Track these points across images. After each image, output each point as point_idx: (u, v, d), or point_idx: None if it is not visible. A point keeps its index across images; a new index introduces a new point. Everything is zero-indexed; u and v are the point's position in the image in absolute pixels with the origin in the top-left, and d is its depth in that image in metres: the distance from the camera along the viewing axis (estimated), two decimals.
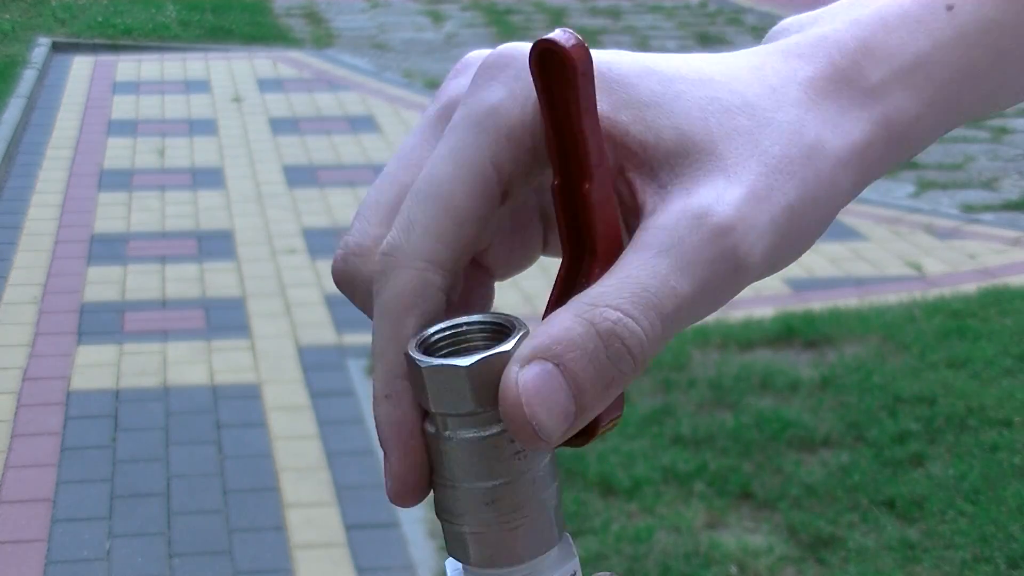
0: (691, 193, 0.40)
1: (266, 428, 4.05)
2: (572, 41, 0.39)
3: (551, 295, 0.42)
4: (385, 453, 0.42)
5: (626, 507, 3.56)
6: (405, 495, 0.42)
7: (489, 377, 0.38)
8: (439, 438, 0.40)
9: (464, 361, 0.38)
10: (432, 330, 0.40)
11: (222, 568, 3.35)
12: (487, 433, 0.39)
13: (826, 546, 3.41)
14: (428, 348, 0.40)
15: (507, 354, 0.38)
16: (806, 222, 0.42)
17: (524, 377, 0.38)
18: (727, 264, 0.40)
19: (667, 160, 0.41)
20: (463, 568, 0.41)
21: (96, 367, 4.45)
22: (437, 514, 0.41)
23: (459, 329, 0.41)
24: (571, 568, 0.42)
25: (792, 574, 3.30)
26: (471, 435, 0.39)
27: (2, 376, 4.37)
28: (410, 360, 0.39)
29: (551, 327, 0.39)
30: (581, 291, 0.40)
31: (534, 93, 0.40)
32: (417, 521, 3.50)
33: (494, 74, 0.42)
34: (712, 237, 0.40)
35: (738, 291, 0.42)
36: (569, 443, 0.40)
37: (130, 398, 4.25)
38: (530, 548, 0.40)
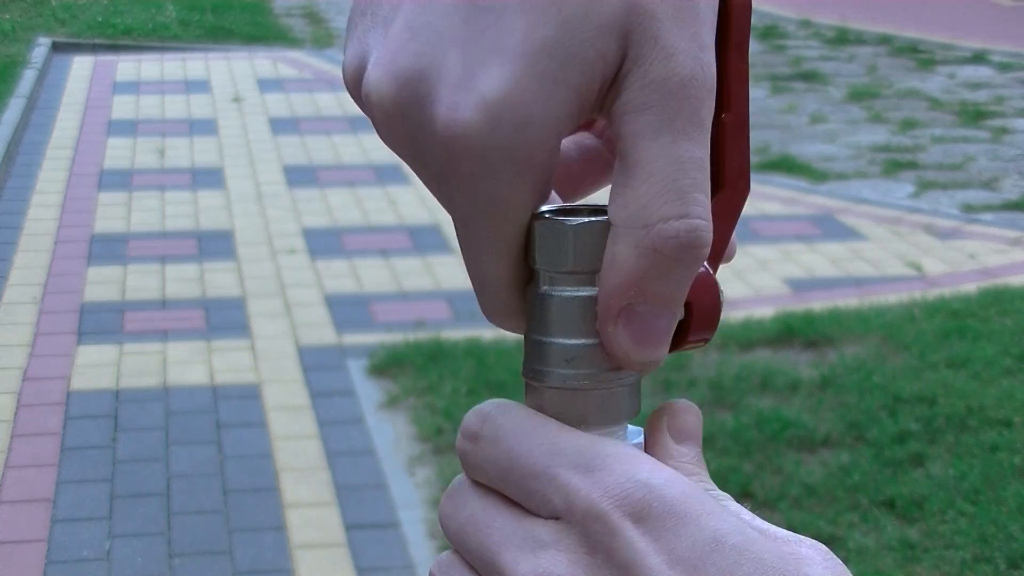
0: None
1: (266, 428, 4.05)
2: None
3: None
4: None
5: None
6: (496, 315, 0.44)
7: (590, 240, 0.41)
8: (537, 293, 0.43)
9: (572, 221, 0.41)
10: (547, 208, 0.43)
11: (222, 568, 3.35)
12: (579, 294, 0.42)
13: (826, 546, 3.41)
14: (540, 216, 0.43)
15: (607, 222, 0.41)
16: None
17: (620, 335, 0.41)
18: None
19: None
20: None
21: (96, 367, 4.45)
22: (523, 374, 0.44)
23: (569, 207, 0.44)
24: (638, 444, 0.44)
25: None
26: (565, 293, 0.42)
27: (2, 376, 4.37)
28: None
29: (617, 267, 0.40)
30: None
31: None
32: (417, 521, 3.49)
33: None
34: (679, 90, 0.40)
35: None
36: None
37: (130, 398, 4.25)
38: (599, 416, 0.43)
